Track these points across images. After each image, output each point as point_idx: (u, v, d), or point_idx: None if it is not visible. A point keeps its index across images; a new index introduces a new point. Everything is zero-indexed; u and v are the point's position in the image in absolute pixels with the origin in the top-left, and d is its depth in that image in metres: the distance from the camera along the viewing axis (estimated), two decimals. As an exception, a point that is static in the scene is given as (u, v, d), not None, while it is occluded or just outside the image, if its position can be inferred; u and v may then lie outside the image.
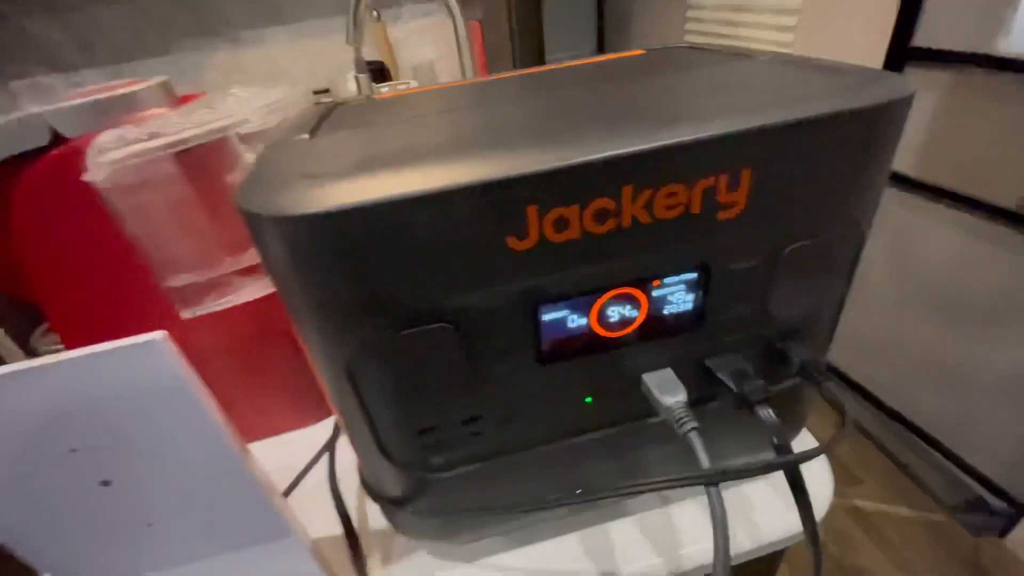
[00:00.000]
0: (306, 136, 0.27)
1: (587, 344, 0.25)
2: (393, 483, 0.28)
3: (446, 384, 0.24)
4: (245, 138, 0.35)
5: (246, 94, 0.37)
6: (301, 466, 0.43)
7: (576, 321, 0.24)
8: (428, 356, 0.23)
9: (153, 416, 0.23)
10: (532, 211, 0.20)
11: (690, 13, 1.64)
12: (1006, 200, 0.89)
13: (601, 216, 0.21)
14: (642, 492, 0.23)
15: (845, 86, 0.22)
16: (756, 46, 0.42)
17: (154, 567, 0.29)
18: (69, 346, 0.36)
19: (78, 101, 0.32)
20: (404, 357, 0.23)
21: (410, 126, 0.26)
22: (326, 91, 1.36)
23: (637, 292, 0.24)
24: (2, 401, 0.21)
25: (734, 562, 0.34)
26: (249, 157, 0.35)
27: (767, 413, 0.24)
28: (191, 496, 0.26)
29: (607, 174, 0.20)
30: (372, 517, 0.37)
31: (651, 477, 0.32)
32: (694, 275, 0.24)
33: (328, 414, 0.48)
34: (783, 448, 0.24)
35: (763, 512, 0.34)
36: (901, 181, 1.03)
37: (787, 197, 0.22)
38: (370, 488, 0.30)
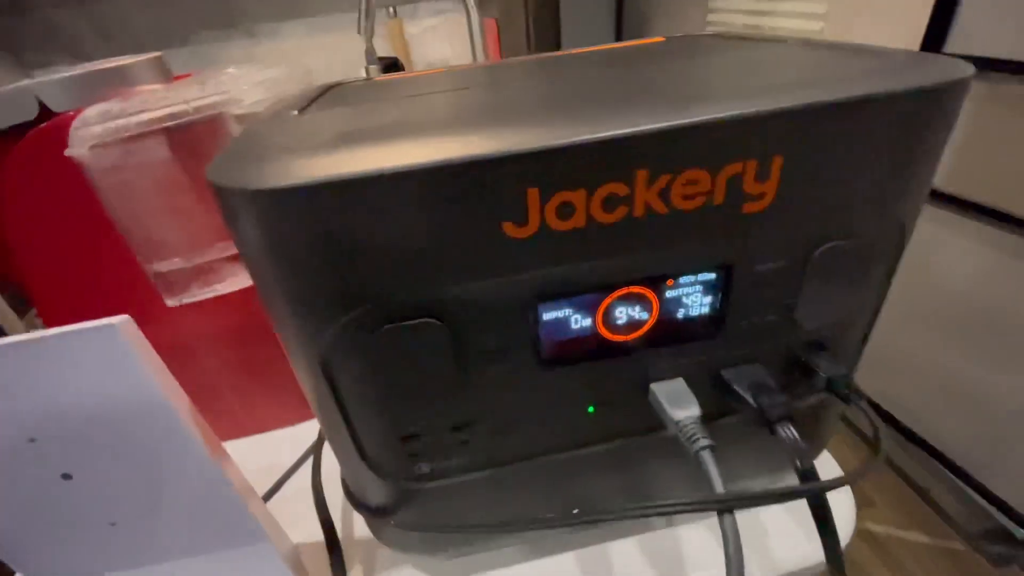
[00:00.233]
0: (295, 113, 0.25)
1: (591, 348, 0.23)
2: (375, 492, 0.26)
3: (433, 386, 0.22)
4: (241, 118, 0.34)
5: (240, 72, 0.35)
6: (290, 465, 0.41)
7: (580, 322, 0.22)
8: (412, 354, 0.21)
9: (112, 407, 0.21)
10: (533, 195, 0.17)
11: (711, 17, 1.61)
12: (1041, 216, 0.85)
13: (611, 203, 0.18)
14: (647, 516, 0.21)
15: (892, 67, 0.20)
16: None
17: (118, 567, 0.27)
18: (49, 330, 0.34)
19: (66, 73, 0.31)
20: (385, 355, 0.20)
21: (406, 104, 0.24)
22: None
23: (648, 292, 0.22)
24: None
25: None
26: (242, 138, 0.33)
27: (788, 432, 0.22)
28: (155, 494, 0.24)
29: (619, 156, 0.17)
30: (358, 525, 0.35)
31: (658, 497, 0.30)
32: (713, 275, 0.22)
33: (320, 412, 0.46)
34: (807, 474, 0.21)
35: (778, 539, 0.31)
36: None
37: (823, 189, 0.20)
38: (352, 496, 0.28)
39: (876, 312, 0.26)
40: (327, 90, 0.32)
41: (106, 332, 0.19)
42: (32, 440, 0.21)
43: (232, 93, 0.33)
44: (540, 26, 1.42)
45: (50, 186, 0.30)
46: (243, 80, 0.35)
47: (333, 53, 1.51)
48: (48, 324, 0.38)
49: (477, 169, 0.17)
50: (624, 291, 0.21)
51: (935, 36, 0.90)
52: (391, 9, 1.44)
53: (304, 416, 0.47)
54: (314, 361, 0.21)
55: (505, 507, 0.27)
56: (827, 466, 0.36)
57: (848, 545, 0.30)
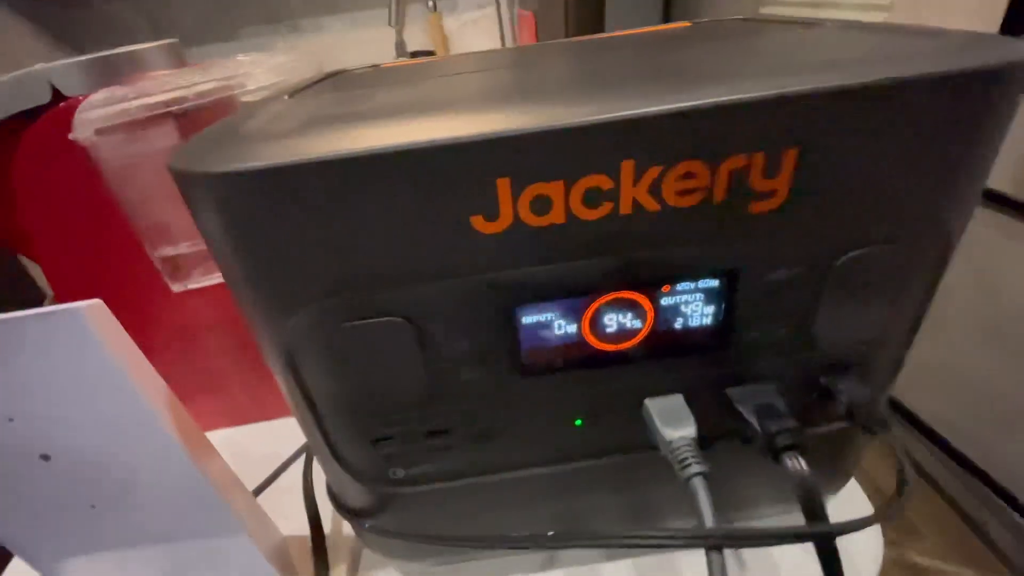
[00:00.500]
0: (286, 98, 0.25)
1: (577, 357, 0.21)
2: (351, 494, 0.25)
3: (401, 389, 0.20)
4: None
5: (251, 59, 0.35)
6: (291, 453, 0.40)
7: (563, 328, 0.20)
8: (378, 354, 0.19)
9: (84, 391, 0.21)
10: (503, 185, 0.16)
11: (764, 11, 1.54)
12: None
13: (593, 198, 0.16)
14: (626, 546, 0.19)
15: (939, 47, 0.17)
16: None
17: (100, 549, 0.27)
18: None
19: (79, 58, 0.31)
20: (349, 353, 0.19)
21: (397, 90, 0.23)
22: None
23: (641, 298, 0.20)
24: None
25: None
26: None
27: (795, 463, 0.19)
28: (132, 479, 0.24)
29: (600, 144, 0.15)
30: (347, 524, 0.35)
31: (650, 521, 0.28)
32: (716, 282, 0.19)
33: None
34: (813, 512, 0.18)
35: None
36: (994, 199, 0.90)
37: (846, 188, 0.17)
38: (332, 496, 0.27)
39: (912, 331, 0.23)
40: (329, 76, 0.31)
41: (71, 316, 0.19)
42: (10, 420, 0.21)
43: (238, 78, 0.32)
44: (580, 20, 1.39)
45: (60, 170, 0.31)
46: (252, 66, 0.34)
47: (374, 47, 1.52)
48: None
49: (439, 156, 0.15)
50: (613, 296, 0.19)
51: (1015, 24, 0.81)
52: (431, 3, 1.44)
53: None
54: (279, 355, 0.20)
55: (486, 519, 0.26)
56: (854, 496, 0.33)
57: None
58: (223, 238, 0.17)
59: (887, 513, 0.18)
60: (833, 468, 0.27)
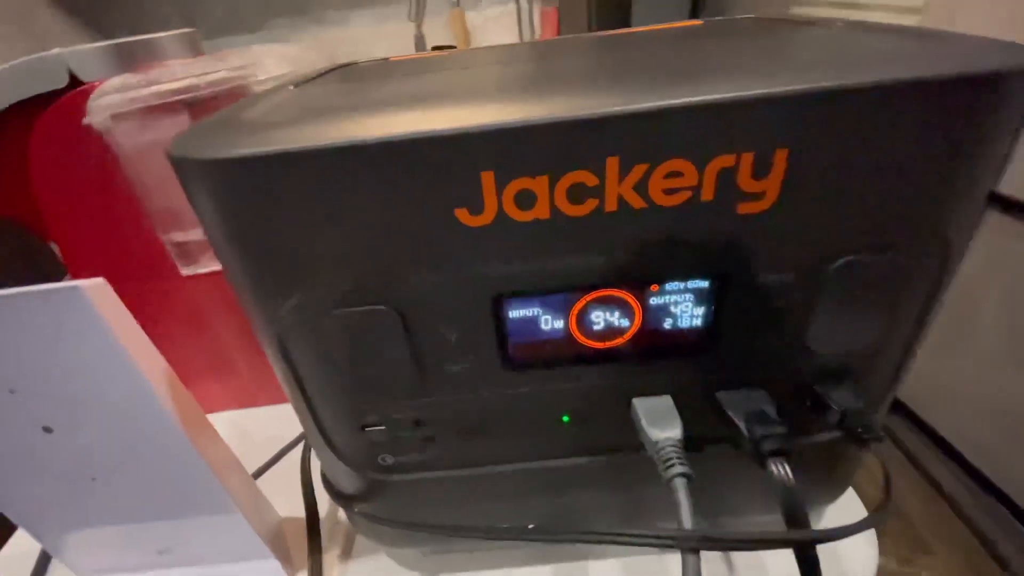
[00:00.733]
0: (292, 88, 0.25)
1: (565, 353, 0.21)
2: (341, 479, 0.26)
3: (389, 378, 0.21)
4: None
5: (264, 49, 0.35)
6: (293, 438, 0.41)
7: (551, 323, 0.20)
8: (366, 343, 0.20)
9: (85, 367, 0.22)
10: (487, 179, 0.16)
11: (795, 11, 1.50)
12: None
13: (577, 194, 0.16)
14: (604, 543, 0.19)
15: (942, 51, 0.16)
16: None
17: (101, 521, 0.28)
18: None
19: (97, 44, 0.32)
20: (338, 340, 0.19)
21: (399, 83, 0.23)
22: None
23: (629, 297, 0.19)
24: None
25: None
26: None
27: (779, 469, 0.19)
28: (130, 455, 0.25)
29: (583, 140, 0.15)
30: (342, 510, 0.35)
31: (636, 522, 0.28)
32: (705, 284, 0.19)
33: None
34: (794, 519, 0.18)
35: (780, 584, 0.28)
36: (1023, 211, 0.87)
37: (840, 192, 0.17)
38: (325, 480, 0.28)
39: (913, 342, 0.22)
40: (337, 68, 0.31)
41: (73, 294, 0.20)
42: (12, 391, 0.22)
43: (250, 68, 0.33)
44: (604, 16, 1.38)
45: (75, 153, 0.32)
46: (265, 56, 0.35)
47: (399, 42, 1.53)
48: (83, 284, 0.41)
49: (422, 148, 0.15)
50: (601, 293, 0.19)
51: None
52: (454, -3, 1.44)
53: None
54: (272, 340, 0.20)
55: (472, 511, 0.26)
56: (851, 506, 0.32)
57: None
58: (216, 224, 0.17)
59: (869, 523, 0.18)
60: (829, 478, 0.27)
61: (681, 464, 0.19)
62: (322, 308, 0.19)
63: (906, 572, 0.96)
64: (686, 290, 0.19)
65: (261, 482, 0.34)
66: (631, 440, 0.22)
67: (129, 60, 0.34)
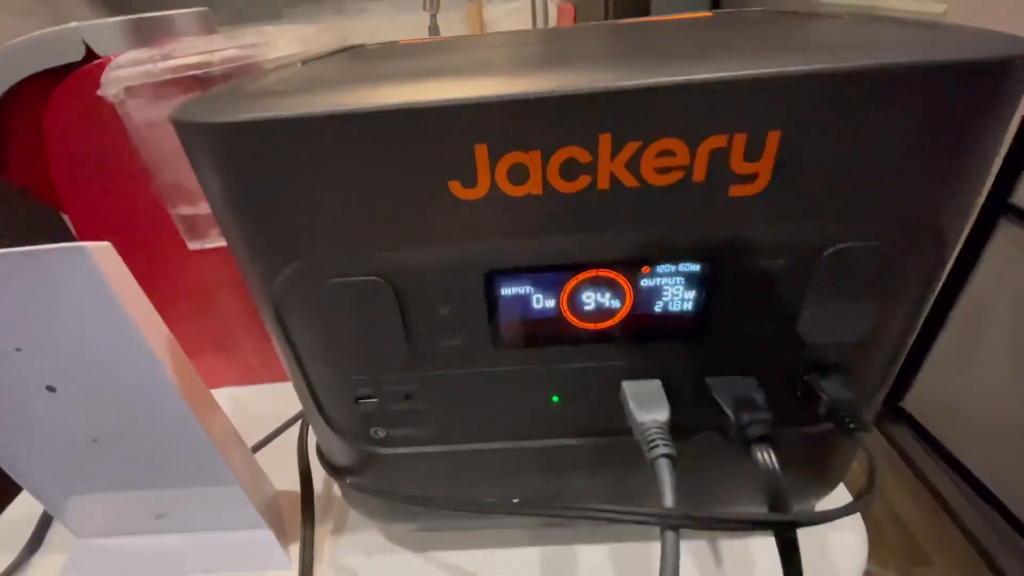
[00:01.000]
0: (299, 65, 0.25)
1: (555, 333, 0.21)
2: (335, 450, 0.26)
3: (381, 350, 0.21)
4: (271, 75, 0.35)
5: (277, 29, 0.36)
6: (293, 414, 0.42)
7: (541, 302, 0.20)
8: (360, 313, 0.20)
9: (90, 329, 0.22)
10: (481, 152, 0.16)
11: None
12: None
13: (570, 170, 0.16)
14: (584, 517, 0.19)
15: (939, 38, 0.16)
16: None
17: (100, 485, 0.29)
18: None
19: (113, 19, 0.33)
20: (333, 309, 0.20)
21: (404, 61, 0.24)
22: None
23: (620, 278, 0.20)
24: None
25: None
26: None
27: (764, 455, 0.19)
28: (131, 418, 0.26)
29: (576, 115, 0.15)
30: (336, 488, 0.36)
31: (623, 503, 0.28)
32: (697, 267, 0.19)
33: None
34: (776, 502, 0.18)
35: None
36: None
37: (832, 177, 0.17)
38: (319, 452, 0.28)
39: (907, 333, 0.22)
40: (347, 48, 0.32)
41: (79, 254, 0.20)
42: (18, 349, 0.23)
43: (261, 47, 0.33)
44: (621, 12, 1.37)
45: (88, 125, 0.33)
46: (277, 36, 0.35)
47: (417, 33, 1.54)
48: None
49: (416, 118, 0.15)
50: (592, 273, 0.20)
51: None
52: (471, -10, 1.44)
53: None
54: (269, 308, 0.21)
55: (462, 488, 0.26)
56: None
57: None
58: (216, 188, 0.18)
59: (851, 509, 0.18)
60: (819, 470, 0.27)
61: (665, 445, 0.20)
62: (317, 278, 0.19)
63: (903, 582, 0.95)
64: (677, 273, 0.20)
65: (259, 456, 0.35)
66: (620, 423, 0.22)
67: (144, 35, 0.34)
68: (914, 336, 0.22)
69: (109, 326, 0.22)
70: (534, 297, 0.20)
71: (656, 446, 0.20)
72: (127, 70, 0.29)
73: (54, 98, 0.32)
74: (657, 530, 0.18)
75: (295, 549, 0.31)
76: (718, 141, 0.16)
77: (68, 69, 0.32)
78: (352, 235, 0.18)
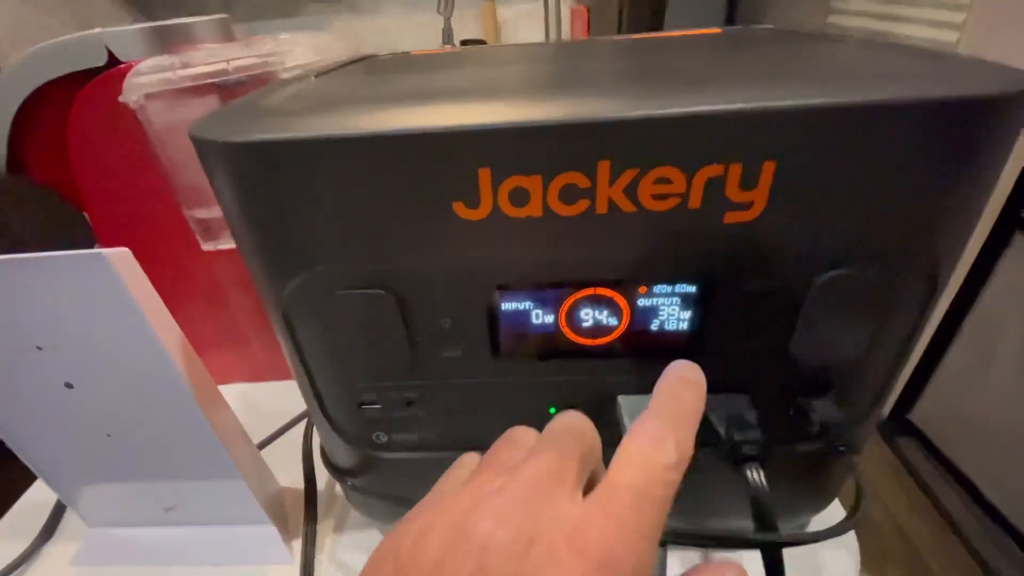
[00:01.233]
0: (313, 78, 0.26)
1: (553, 347, 0.22)
2: (338, 453, 0.27)
3: (385, 358, 0.22)
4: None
5: (293, 37, 0.36)
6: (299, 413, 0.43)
7: (541, 318, 0.21)
8: (365, 324, 0.21)
9: (107, 330, 0.23)
10: (484, 175, 0.17)
11: (832, 19, 1.46)
12: None
13: (569, 194, 0.17)
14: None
15: (938, 71, 0.16)
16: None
17: (112, 477, 0.30)
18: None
19: (135, 26, 0.34)
20: (339, 319, 0.21)
21: (414, 77, 0.24)
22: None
23: (617, 297, 0.20)
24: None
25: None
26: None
27: (754, 474, 0.19)
28: (143, 415, 0.27)
29: (576, 143, 0.16)
30: (339, 487, 0.37)
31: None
32: (692, 288, 0.20)
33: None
34: (763, 521, 0.19)
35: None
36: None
37: (827, 207, 0.17)
38: (323, 453, 0.29)
39: (901, 358, 0.22)
40: (359, 60, 0.33)
41: (98, 260, 0.21)
42: (39, 348, 0.24)
43: (278, 55, 0.34)
44: (635, 17, 1.37)
45: (109, 128, 0.34)
46: (293, 44, 0.36)
47: (430, 32, 1.54)
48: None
49: (422, 142, 0.16)
50: (590, 291, 0.20)
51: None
52: (485, -9, 1.45)
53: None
54: (278, 316, 0.21)
55: (460, 493, 0.27)
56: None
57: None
58: (230, 201, 0.19)
59: (836, 531, 0.18)
60: (811, 488, 0.27)
61: (658, 461, 0.20)
62: (325, 288, 0.20)
63: (905, 597, 0.94)
64: (673, 294, 0.20)
65: (265, 453, 0.36)
66: (616, 437, 0.23)
67: (164, 42, 0.35)
68: (908, 360, 0.22)
69: (125, 328, 0.23)
70: (533, 312, 0.21)
71: (648, 461, 0.20)
72: (148, 77, 0.30)
73: (77, 101, 0.33)
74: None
75: (297, 545, 0.32)
76: (714, 170, 0.16)
77: (91, 73, 0.33)
78: (359, 250, 0.19)
